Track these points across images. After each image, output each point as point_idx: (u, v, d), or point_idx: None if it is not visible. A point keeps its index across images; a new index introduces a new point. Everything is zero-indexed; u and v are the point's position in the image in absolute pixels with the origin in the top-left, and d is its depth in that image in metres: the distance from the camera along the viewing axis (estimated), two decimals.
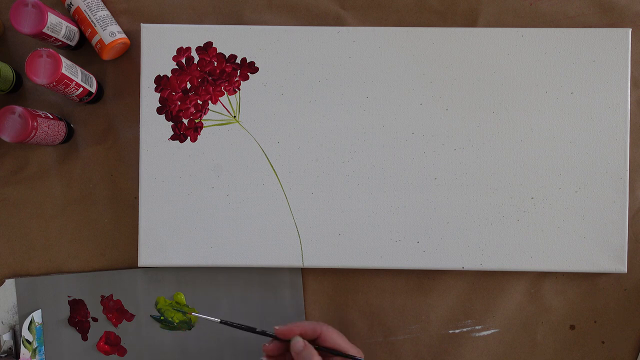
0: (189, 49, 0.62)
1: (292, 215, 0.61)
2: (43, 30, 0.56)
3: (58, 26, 0.58)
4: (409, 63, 0.61)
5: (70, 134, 0.63)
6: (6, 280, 0.63)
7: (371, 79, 0.61)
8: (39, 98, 0.64)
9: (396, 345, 0.63)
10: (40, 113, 0.59)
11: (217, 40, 0.62)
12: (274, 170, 0.61)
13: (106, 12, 0.62)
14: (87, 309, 0.63)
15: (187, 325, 0.63)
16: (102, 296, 0.63)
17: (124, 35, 0.62)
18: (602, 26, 0.63)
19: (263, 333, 0.55)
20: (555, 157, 0.61)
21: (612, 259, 0.61)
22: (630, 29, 0.61)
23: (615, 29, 0.61)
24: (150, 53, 0.62)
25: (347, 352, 0.53)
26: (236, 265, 0.61)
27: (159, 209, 0.61)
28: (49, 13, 0.56)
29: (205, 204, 0.61)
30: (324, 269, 0.63)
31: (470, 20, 0.64)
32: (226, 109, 0.62)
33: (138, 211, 0.62)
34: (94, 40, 0.61)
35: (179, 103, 0.62)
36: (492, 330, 0.63)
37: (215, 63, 0.62)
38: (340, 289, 0.64)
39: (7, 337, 0.62)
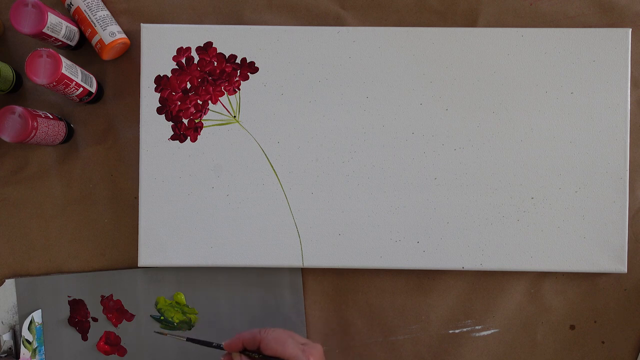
0: (189, 49, 0.62)
1: (292, 215, 0.61)
2: (43, 30, 0.56)
3: (58, 26, 0.58)
4: (409, 63, 0.61)
5: (70, 134, 0.63)
6: (6, 280, 0.63)
7: (371, 79, 0.61)
8: (39, 98, 0.64)
9: (396, 345, 0.63)
10: (40, 113, 0.59)
11: (217, 40, 0.62)
12: (274, 170, 0.61)
13: (106, 12, 0.62)
14: (87, 309, 0.63)
15: (188, 325, 0.63)
16: (102, 296, 0.63)
17: (124, 35, 0.62)
18: (602, 26, 0.63)
19: (217, 347, 0.55)
20: (555, 157, 0.61)
21: (612, 259, 0.61)
22: (630, 29, 0.61)
23: (615, 29, 0.61)
24: (150, 53, 0.62)
25: (284, 356, 0.53)
26: (236, 265, 0.61)
27: (159, 209, 0.61)
28: (49, 13, 0.56)
29: (205, 204, 0.61)
30: (324, 269, 0.63)
31: (470, 20, 0.64)
32: (226, 109, 0.62)
33: (138, 211, 0.62)
34: (94, 40, 0.61)
35: (179, 103, 0.61)
36: (492, 330, 0.63)
37: (215, 63, 0.62)
38: (340, 289, 0.64)
39: (7, 337, 0.62)
